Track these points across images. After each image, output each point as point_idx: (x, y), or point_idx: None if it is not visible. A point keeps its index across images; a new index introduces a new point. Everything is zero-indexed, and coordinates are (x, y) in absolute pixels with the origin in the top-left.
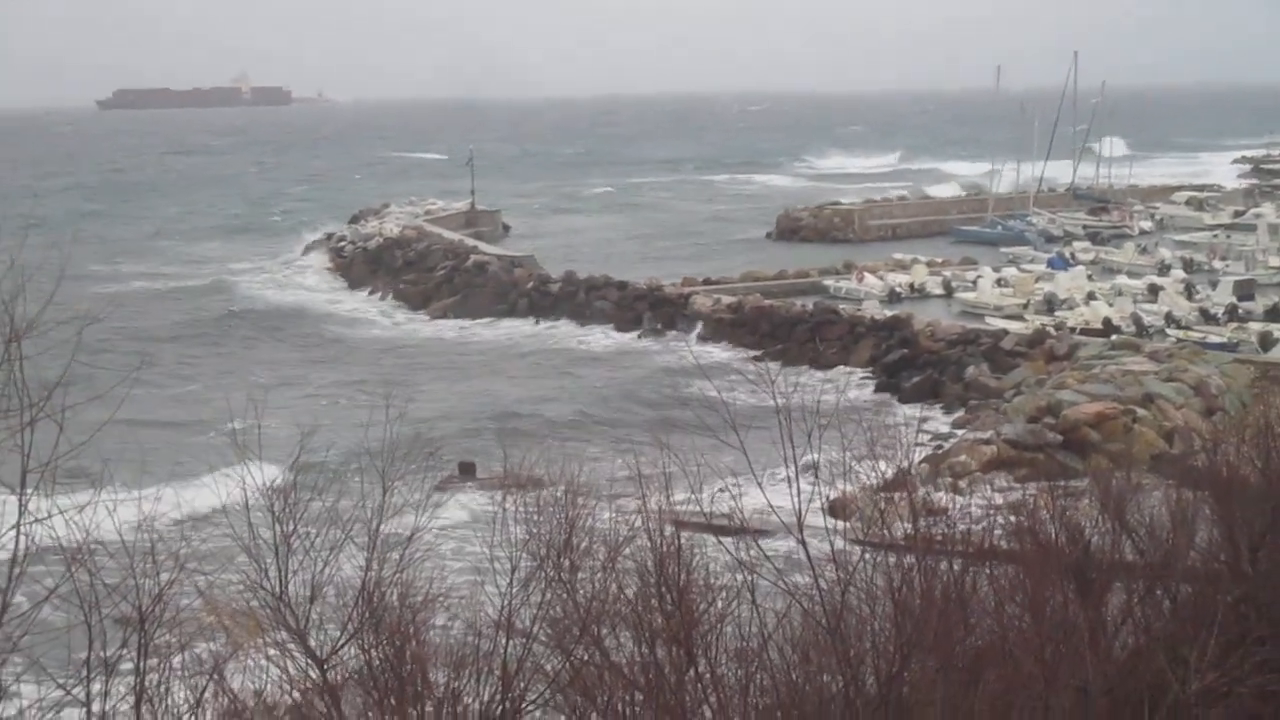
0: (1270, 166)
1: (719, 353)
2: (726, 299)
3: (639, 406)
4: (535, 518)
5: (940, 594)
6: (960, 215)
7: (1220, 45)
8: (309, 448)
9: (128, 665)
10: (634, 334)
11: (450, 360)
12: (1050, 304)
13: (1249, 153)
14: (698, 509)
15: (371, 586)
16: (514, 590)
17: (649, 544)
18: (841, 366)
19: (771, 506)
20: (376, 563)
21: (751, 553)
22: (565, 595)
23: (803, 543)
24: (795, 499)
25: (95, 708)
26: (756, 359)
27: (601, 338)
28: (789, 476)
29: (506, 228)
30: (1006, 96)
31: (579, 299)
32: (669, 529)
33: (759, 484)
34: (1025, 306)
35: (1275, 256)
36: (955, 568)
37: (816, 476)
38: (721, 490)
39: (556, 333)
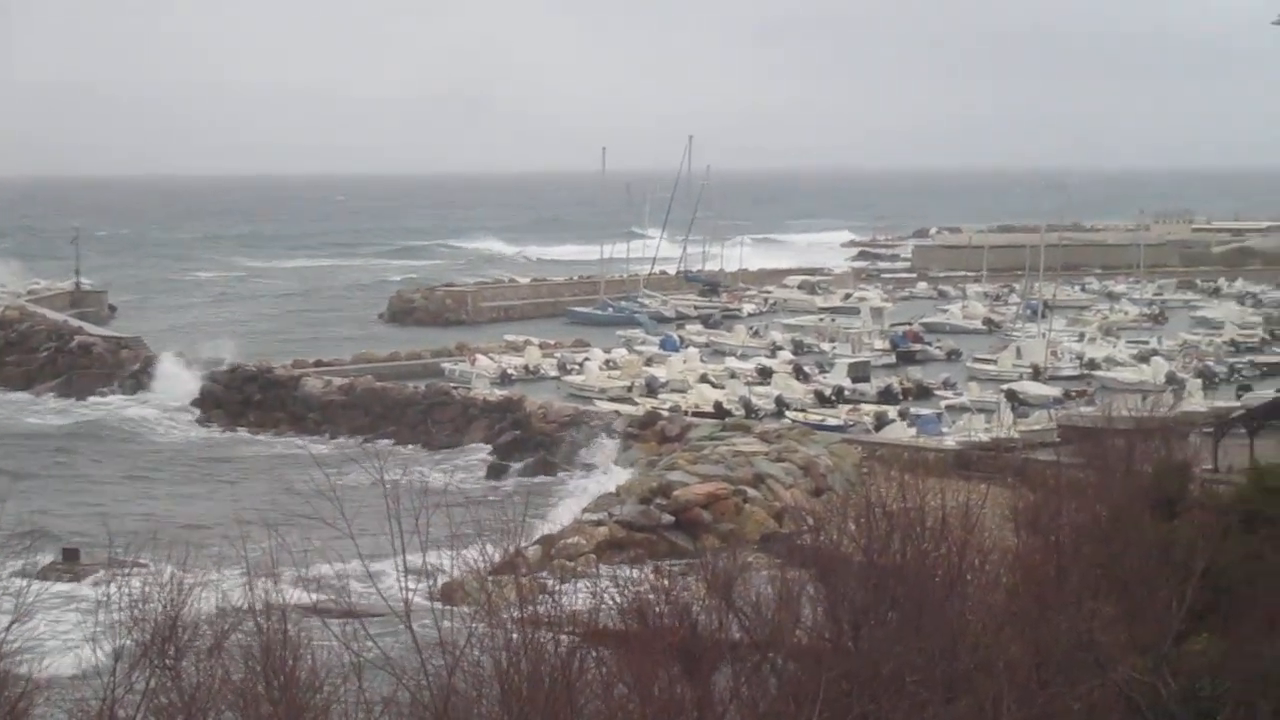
0: (875, 250)
1: (322, 444)
2: (338, 380)
3: (249, 495)
4: (140, 604)
5: (547, 676)
6: (574, 297)
7: (823, 135)
8: None
9: None
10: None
11: (52, 445)
12: (652, 387)
13: (855, 235)
14: (306, 594)
15: None
16: (118, 679)
17: (256, 628)
18: (454, 448)
19: (380, 591)
20: None
21: (360, 636)
22: (170, 683)
23: (409, 626)
24: (403, 582)
25: None
26: (367, 441)
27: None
28: (397, 560)
29: (113, 308)
30: (613, 178)
31: None
32: (276, 614)
33: (367, 569)
34: (630, 389)
35: (879, 339)
36: (563, 649)
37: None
38: (330, 575)
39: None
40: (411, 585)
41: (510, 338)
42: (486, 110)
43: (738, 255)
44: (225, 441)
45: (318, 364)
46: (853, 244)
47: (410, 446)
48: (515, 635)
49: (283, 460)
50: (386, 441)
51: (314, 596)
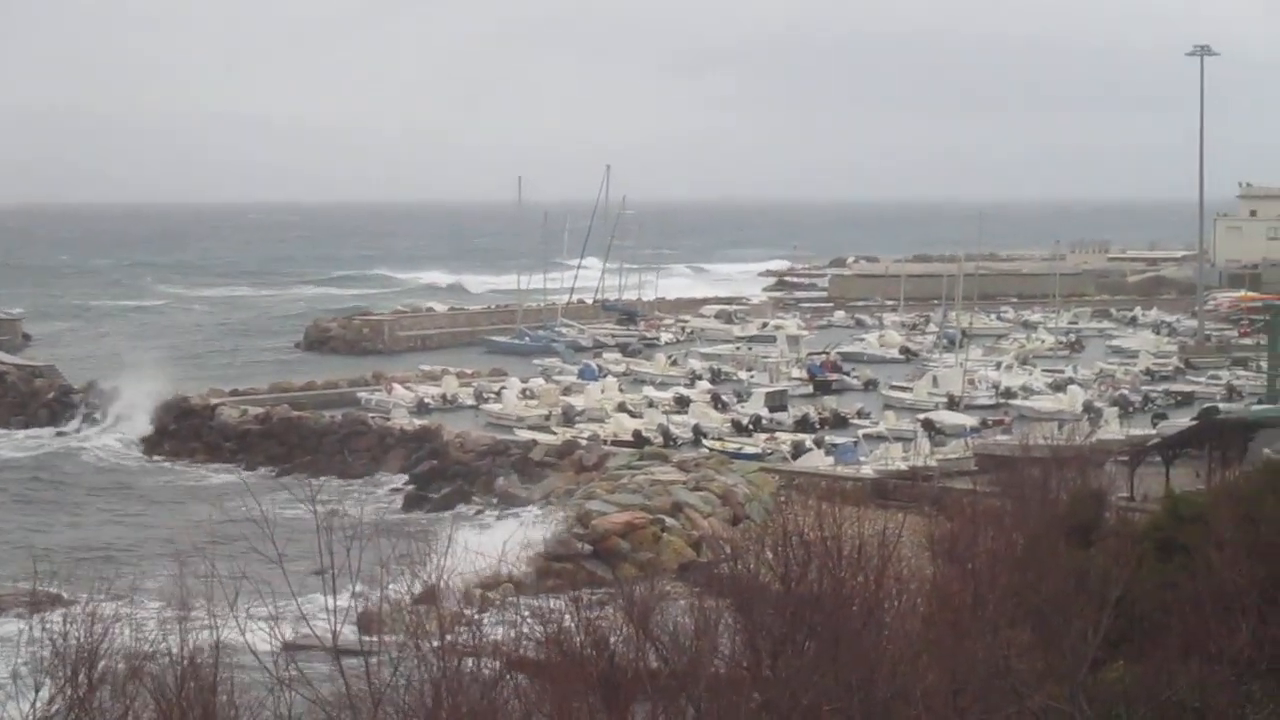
0: (793, 280)
1: (237, 473)
2: (255, 410)
3: (166, 524)
4: (59, 638)
5: (468, 707)
6: (491, 326)
7: (745, 167)
8: None
9: None
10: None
11: None
12: (569, 415)
13: (773, 265)
14: (229, 623)
15: None
16: (37, 711)
17: (174, 660)
18: (371, 477)
19: (305, 620)
20: None
21: (284, 666)
22: (86, 716)
23: (336, 658)
24: (331, 612)
25: None
26: (283, 471)
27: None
28: (324, 589)
29: (27, 337)
30: (530, 208)
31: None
32: (196, 645)
33: (295, 598)
34: (548, 418)
35: (796, 368)
36: (484, 680)
37: (353, 594)
38: (254, 605)
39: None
40: (335, 614)
41: (427, 367)
42: (400, 139)
43: (660, 285)
44: (139, 470)
45: (234, 393)
46: (769, 273)
47: (325, 476)
48: (437, 665)
49: (193, 492)
50: (302, 473)
51: (238, 626)
